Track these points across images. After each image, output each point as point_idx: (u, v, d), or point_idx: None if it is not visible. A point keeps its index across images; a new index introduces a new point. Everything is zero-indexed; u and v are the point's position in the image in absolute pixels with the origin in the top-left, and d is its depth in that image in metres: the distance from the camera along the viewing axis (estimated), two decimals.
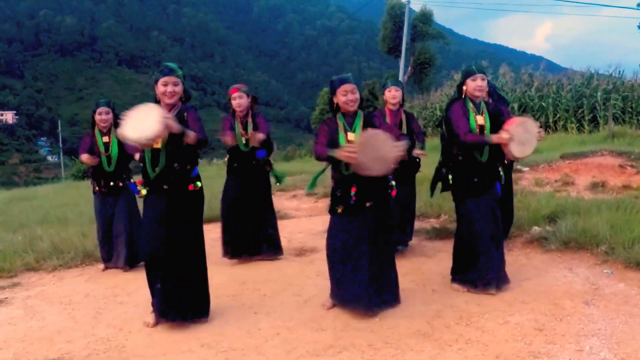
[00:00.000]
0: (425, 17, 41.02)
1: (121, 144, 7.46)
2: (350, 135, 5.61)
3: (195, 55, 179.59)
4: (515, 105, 28.22)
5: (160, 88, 5.39)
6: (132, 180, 6.40)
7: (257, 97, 8.15)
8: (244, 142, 7.85)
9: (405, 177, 7.56)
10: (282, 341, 5.20)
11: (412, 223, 8.26)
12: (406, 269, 7.00)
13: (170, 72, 5.41)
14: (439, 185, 6.52)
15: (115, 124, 7.64)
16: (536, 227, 8.20)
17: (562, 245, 7.51)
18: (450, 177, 6.32)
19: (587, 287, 6.21)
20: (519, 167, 13.16)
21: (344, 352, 4.93)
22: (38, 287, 7.38)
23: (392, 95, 7.80)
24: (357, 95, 5.66)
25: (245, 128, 7.84)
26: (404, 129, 7.62)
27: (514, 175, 12.02)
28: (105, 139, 7.92)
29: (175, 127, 5.08)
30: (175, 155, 5.42)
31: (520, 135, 5.79)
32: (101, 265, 8.15)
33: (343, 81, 5.66)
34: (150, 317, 5.70)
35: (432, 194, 6.77)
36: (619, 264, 6.74)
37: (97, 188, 8.03)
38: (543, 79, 29.82)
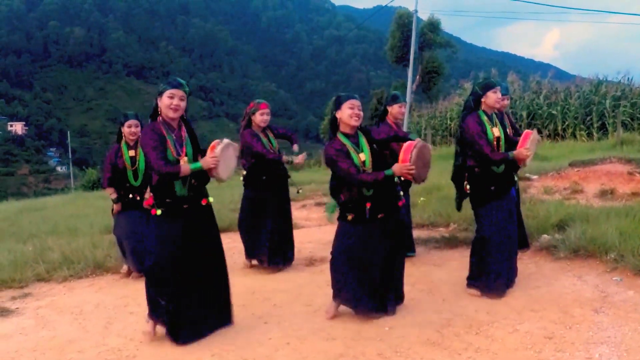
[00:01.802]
0: (432, 26, 41.01)
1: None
2: (362, 156, 5.68)
3: (204, 65, 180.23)
4: (524, 113, 28.25)
5: (165, 100, 5.32)
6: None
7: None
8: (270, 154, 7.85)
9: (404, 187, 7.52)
10: (293, 351, 5.21)
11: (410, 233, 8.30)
12: (415, 277, 7.01)
13: (178, 85, 5.35)
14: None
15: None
16: (545, 235, 8.19)
17: (572, 253, 7.50)
18: (467, 186, 6.44)
19: (597, 294, 6.20)
20: (527, 175, 13.16)
21: None
22: (49, 297, 7.40)
23: (401, 111, 7.92)
24: (362, 113, 5.74)
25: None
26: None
27: (522, 184, 12.07)
28: (132, 152, 7.78)
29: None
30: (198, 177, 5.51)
31: (533, 148, 6.37)
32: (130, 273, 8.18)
33: (350, 97, 5.72)
34: (148, 326, 5.64)
35: (459, 208, 6.82)
36: (628, 271, 6.72)
37: (117, 204, 7.96)
38: (551, 86, 29.83)
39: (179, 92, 5.33)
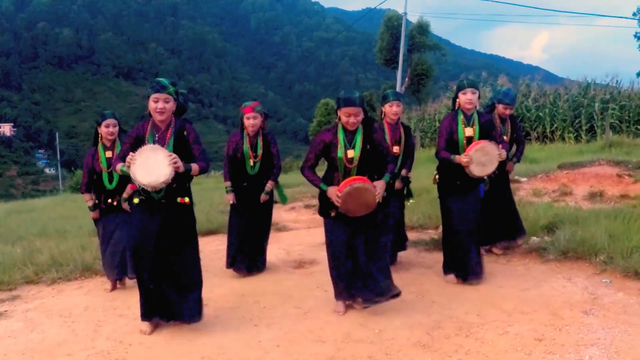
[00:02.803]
0: (422, 29, 41.07)
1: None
2: (350, 153, 5.82)
3: (193, 67, 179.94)
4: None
5: (151, 104, 5.51)
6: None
7: (268, 114, 7.99)
8: (251, 164, 7.73)
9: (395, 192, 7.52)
10: (283, 353, 5.20)
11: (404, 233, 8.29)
12: (405, 280, 7.00)
13: (161, 88, 5.49)
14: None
15: (120, 134, 7.38)
16: (535, 238, 8.22)
17: (561, 255, 7.53)
18: (437, 176, 7.16)
19: (586, 296, 6.22)
20: (516, 177, 13.19)
21: None
22: (37, 299, 7.36)
23: (393, 111, 7.49)
24: (360, 118, 5.80)
25: (254, 149, 7.72)
26: (402, 144, 7.58)
27: (511, 186, 12.08)
28: (109, 153, 7.30)
29: (182, 167, 5.34)
30: (176, 180, 5.50)
31: (480, 158, 6.55)
32: (108, 286, 7.63)
33: (348, 103, 5.73)
34: (146, 325, 5.82)
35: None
36: (617, 273, 6.76)
37: (94, 212, 7.48)
38: (540, 89, 29.90)
39: (162, 96, 5.48)
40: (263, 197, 7.77)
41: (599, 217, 8.36)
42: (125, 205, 7.09)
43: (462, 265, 6.92)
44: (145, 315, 5.82)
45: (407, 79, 40.26)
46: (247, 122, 7.64)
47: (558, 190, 11.87)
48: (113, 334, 5.88)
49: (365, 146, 5.84)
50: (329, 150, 5.90)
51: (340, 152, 5.80)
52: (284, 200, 8.48)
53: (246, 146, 7.67)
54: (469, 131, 6.72)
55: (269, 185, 7.83)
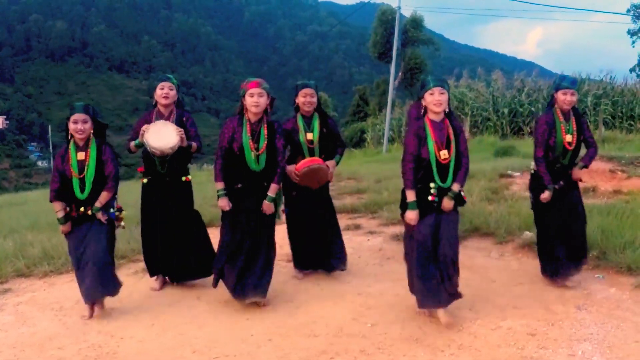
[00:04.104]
0: (415, 23, 41.03)
1: (100, 163, 6.08)
2: (309, 135, 6.85)
3: (186, 60, 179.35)
4: (506, 111, 28.32)
5: (158, 92, 6.63)
6: (112, 210, 6.15)
7: (274, 98, 6.27)
8: (253, 157, 6.02)
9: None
10: (275, 347, 5.20)
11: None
12: (398, 274, 6.99)
13: (166, 78, 6.76)
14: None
15: (97, 133, 6.21)
16: (528, 232, 8.20)
17: None
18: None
19: (579, 291, 6.24)
20: (509, 172, 13.20)
21: (336, 358, 4.95)
22: (29, 293, 7.33)
23: (435, 100, 5.43)
24: (315, 99, 6.90)
25: (257, 139, 6.04)
26: (453, 147, 5.52)
27: (504, 181, 12.10)
28: (81, 155, 6.09)
29: (185, 140, 6.40)
30: (179, 156, 6.57)
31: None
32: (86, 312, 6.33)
33: (305, 86, 6.93)
34: (155, 283, 7.04)
35: None
36: (610, 268, 6.78)
37: (64, 225, 6.14)
38: (534, 84, 29.97)
39: (167, 84, 6.66)
40: (266, 205, 6.09)
41: (591, 213, 8.33)
42: (100, 215, 6.07)
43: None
44: (152, 272, 7.02)
45: (400, 74, 40.23)
46: (250, 101, 5.92)
47: None
48: (105, 328, 5.87)
49: (322, 129, 6.90)
50: (291, 136, 6.78)
51: (301, 136, 6.81)
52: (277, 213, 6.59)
53: (246, 135, 6.00)
54: None
55: (273, 189, 6.14)
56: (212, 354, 5.13)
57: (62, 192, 6.11)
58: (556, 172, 6.38)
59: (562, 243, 6.37)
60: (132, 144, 6.53)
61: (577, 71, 29.88)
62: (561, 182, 6.38)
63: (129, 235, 8.77)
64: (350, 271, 7.28)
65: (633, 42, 55.18)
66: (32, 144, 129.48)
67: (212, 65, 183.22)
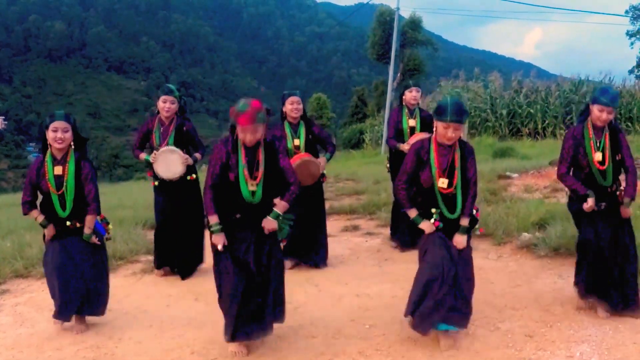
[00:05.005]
0: (414, 24, 40.96)
1: (78, 176, 5.63)
2: (297, 141, 7.43)
3: (185, 61, 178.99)
4: (504, 112, 28.32)
5: (160, 104, 7.24)
6: (99, 220, 5.86)
7: (270, 108, 5.32)
8: (249, 189, 5.02)
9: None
10: (272, 348, 5.20)
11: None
12: (395, 275, 7.00)
13: (169, 92, 7.29)
14: None
15: (77, 146, 5.73)
16: (526, 234, 8.21)
17: (552, 252, 7.53)
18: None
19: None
20: (507, 173, 13.21)
21: None
22: (27, 294, 7.33)
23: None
24: (301, 107, 7.47)
25: (253, 167, 5.02)
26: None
27: (502, 182, 12.10)
28: (59, 169, 5.59)
29: (191, 161, 7.33)
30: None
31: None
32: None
33: (292, 94, 7.53)
34: (160, 272, 7.61)
35: None
36: None
37: (48, 227, 5.73)
38: (532, 85, 29.97)
39: (169, 97, 7.25)
40: (269, 224, 5.12)
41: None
42: (93, 239, 5.76)
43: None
44: (159, 265, 7.62)
45: (398, 75, 40.20)
46: (243, 136, 5.02)
47: (549, 187, 11.86)
48: (102, 329, 5.87)
49: (308, 136, 7.48)
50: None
51: (289, 143, 7.37)
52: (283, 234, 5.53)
53: (241, 163, 5.06)
54: (412, 122, 8.25)
55: (281, 206, 5.22)
56: (210, 355, 5.13)
57: (36, 204, 5.75)
58: (597, 194, 5.49)
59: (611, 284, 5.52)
60: (143, 157, 7.48)
61: (576, 72, 29.94)
62: (604, 204, 5.52)
63: (127, 237, 8.76)
64: (348, 272, 7.30)
65: (631, 44, 55.25)
66: (31, 144, 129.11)
67: (211, 66, 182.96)
